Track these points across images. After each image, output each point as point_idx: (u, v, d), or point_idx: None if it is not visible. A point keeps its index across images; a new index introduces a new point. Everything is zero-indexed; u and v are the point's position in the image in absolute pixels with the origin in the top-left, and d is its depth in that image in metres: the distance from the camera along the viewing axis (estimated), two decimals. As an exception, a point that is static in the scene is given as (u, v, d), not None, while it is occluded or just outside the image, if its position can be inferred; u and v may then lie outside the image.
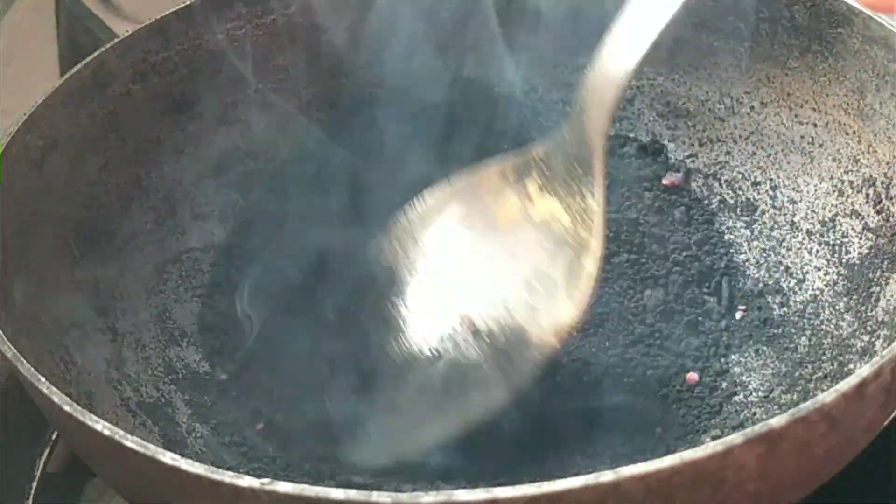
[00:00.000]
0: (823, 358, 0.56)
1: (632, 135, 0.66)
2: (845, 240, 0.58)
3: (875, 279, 0.55)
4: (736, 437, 0.38)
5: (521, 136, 0.66)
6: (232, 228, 0.63)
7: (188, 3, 0.62)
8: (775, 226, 0.61)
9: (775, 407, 0.54)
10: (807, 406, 0.39)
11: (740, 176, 0.63)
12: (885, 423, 0.45)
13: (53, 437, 0.61)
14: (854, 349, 0.54)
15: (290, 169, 0.65)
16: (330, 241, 0.63)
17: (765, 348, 0.58)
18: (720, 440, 0.38)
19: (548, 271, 0.54)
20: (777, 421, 0.39)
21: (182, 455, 0.39)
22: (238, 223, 0.64)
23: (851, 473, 0.51)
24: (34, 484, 0.60)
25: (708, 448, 0.38)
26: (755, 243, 0.62)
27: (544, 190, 0.55)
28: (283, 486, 0.38)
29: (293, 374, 0.58)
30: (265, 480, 0.38)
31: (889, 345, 0.46)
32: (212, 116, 0.63)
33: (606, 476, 0.37)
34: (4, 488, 0.59)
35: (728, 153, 0.64)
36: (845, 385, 0.40)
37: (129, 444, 0.40)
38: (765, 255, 0.61)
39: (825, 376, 0.55)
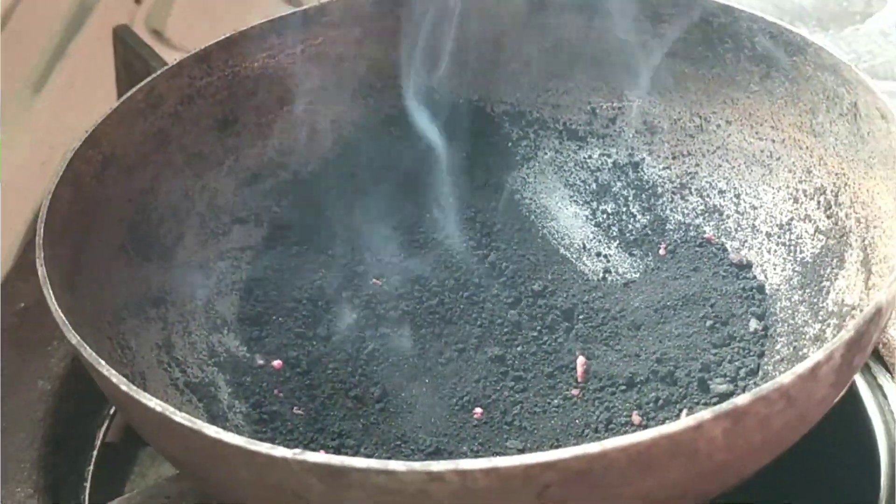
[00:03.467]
0: (780, 343, 0.55)
1: (613, 150, 0.66)
2: (799, 241, 0.58)
3: (825, 275, 0.55)
4: (706, 414, 0.38)
5: (512, 149, 0.67)
6: (267, 231, 0.63)
7: (229, 35, 0.61)
8: (739, 228, 0.61)
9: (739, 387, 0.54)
10: (767, 386, 0.39)
11: (708, 185, 0.63)
12: (836, 399, 0.45)
13: (111, 412, 0.61)
14: (807, 336, 0.54)
15: (318, 180, 0.65)
16: (353, 244, 0.63)
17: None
18: (692, 416, 0.38)
19: None
20: (741, 399, 0.39)
21: (223, 428, 0.39)
22: (272, 227, 0.63)
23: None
24: (95, 452, 0.60)
25: (681, 423, 0.38)
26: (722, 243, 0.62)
27: None
28: (313, 457, 0.38)
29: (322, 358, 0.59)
30: (297, 451, 0.38)
31: (838, 332, 0.46)
32: (249, 133, 0.63)
33: (593, 447, 0.37)
34: (70, 456, 0.59)
35: (697, 165, 0.63)
36: (801, 367, 0.40)
37: (178, 419, 0.40)
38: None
39: (782, 360, 0.54)
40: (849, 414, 0.57)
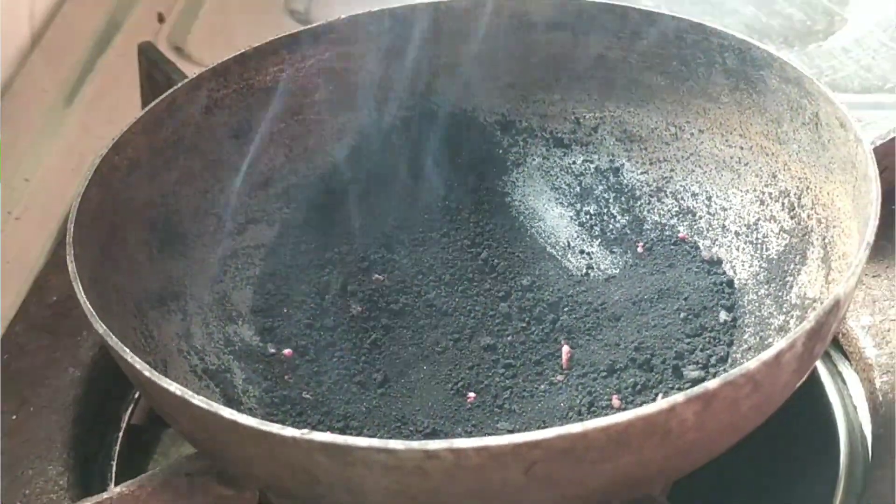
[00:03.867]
0: (748, 333, 0.56)
1: (595, 156, 0.66)
2: (766, 239, 0.58)
3: (789, 271, 0.55)
4: (678, 397, 0.38)
5: (503, 156, 0.67)
6: (278, 230, 0.63)
7: (243, 51, 0.62)
8: (710, 228, 0.61)
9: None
10: (735, 372, 0.39)
11: (682, 188, 0.63)
12: (798, 384, 0.45)
13: (136, 396, 0.61)
14: (772, 326, 0.54)
15: (325, 184, 0.65)
16: (358, 243, 0.63)
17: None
18: (666, 399, 0.38)
19: None
20: (711, 384, 0.39)
21: (238, 411, 0.40)
22: (283, 227, 0.63)
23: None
24: (121, 434, 0.60)
25: (657, 405, 0.38)
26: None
27: None
28: (319, 436, 0.38)
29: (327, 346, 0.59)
30: (304, 431, 0.38)
31: (800, 323, 0.46)
32: (262, 141, 0.63)
33: (576, 428, 0.38)
34: (98, 437, 0.59)
35: (672, 170, 0.63)
36: (766, 355, 0.40)
37: (196, 402, 0.40)
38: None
39: (749, 348, 0.55)
40: (811, 399, 0.57)
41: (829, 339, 0.45)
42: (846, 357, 0.59)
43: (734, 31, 0.59)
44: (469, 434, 0.53)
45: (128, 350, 0.43)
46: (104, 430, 0.60)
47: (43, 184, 0.77)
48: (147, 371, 0.42)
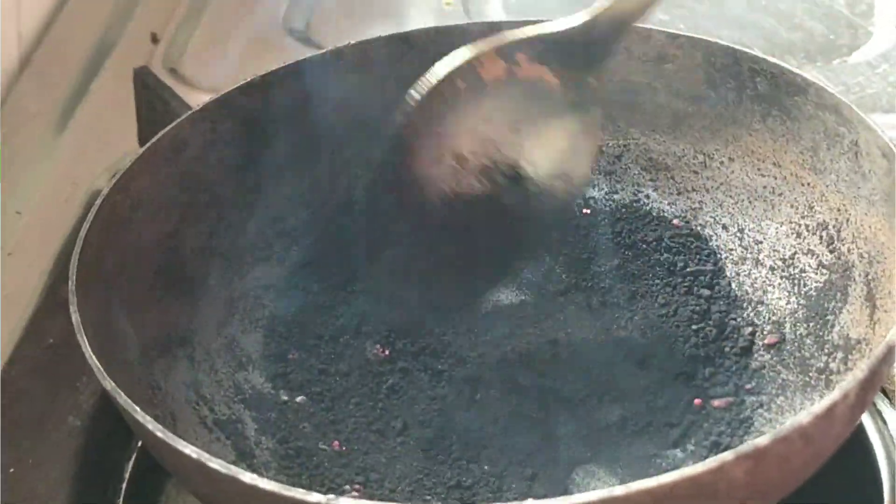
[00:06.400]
0: (787, 374, 0.55)
1: (619, 186, 0.65)
2: (803, 275, 0.57)
3: (830, 309, 0.54)
4: (727, 455, 0.38)
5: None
6: (288, 269, 0.62)
7: (249, 80, 0.61)
8: (742, 262, 0.60)
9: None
10: (786, 427, 0.39)
11: (712, 220, 0.62)
12: (849, 434, 0.44)
13: (139, 443, 0.60)
14: (814, 368, 0.53)
15: (336, 219, 0.64)
16: (372, 281, 0.63)
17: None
18: (714, 457, 0.38)
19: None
20: (762, 440, 0.38)
21: (251, 465, 0.39)
22: (293, 265, 0.62)
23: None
24: (124, 485, 0.58)
25: (704, 464, 0.38)
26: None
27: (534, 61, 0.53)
28: (346, 502, 0.37)
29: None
30: (330, 497, 0.38)
31: (844, 365, 0.45)
32: (269, 176, 0.62)
33: (619, 490, 0.37)
34: (101, 490, 0.58)
35: (701, 201, 0.62)
36: (818, 408, 0.40)
37: (213, 465, 0.40)
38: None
39: (790, 390, 0.54)
40: (850, 440, 0.56)
41: (879, 386, 0.44)
42: (886, 395, 0.58)
43: (765, 55, 0.58)
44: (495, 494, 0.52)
45: (138, 409, 0.42)
46: (106, 482, 0.58)
47: (36, 216, 0.76)
48: (160, 432, 0.41)
